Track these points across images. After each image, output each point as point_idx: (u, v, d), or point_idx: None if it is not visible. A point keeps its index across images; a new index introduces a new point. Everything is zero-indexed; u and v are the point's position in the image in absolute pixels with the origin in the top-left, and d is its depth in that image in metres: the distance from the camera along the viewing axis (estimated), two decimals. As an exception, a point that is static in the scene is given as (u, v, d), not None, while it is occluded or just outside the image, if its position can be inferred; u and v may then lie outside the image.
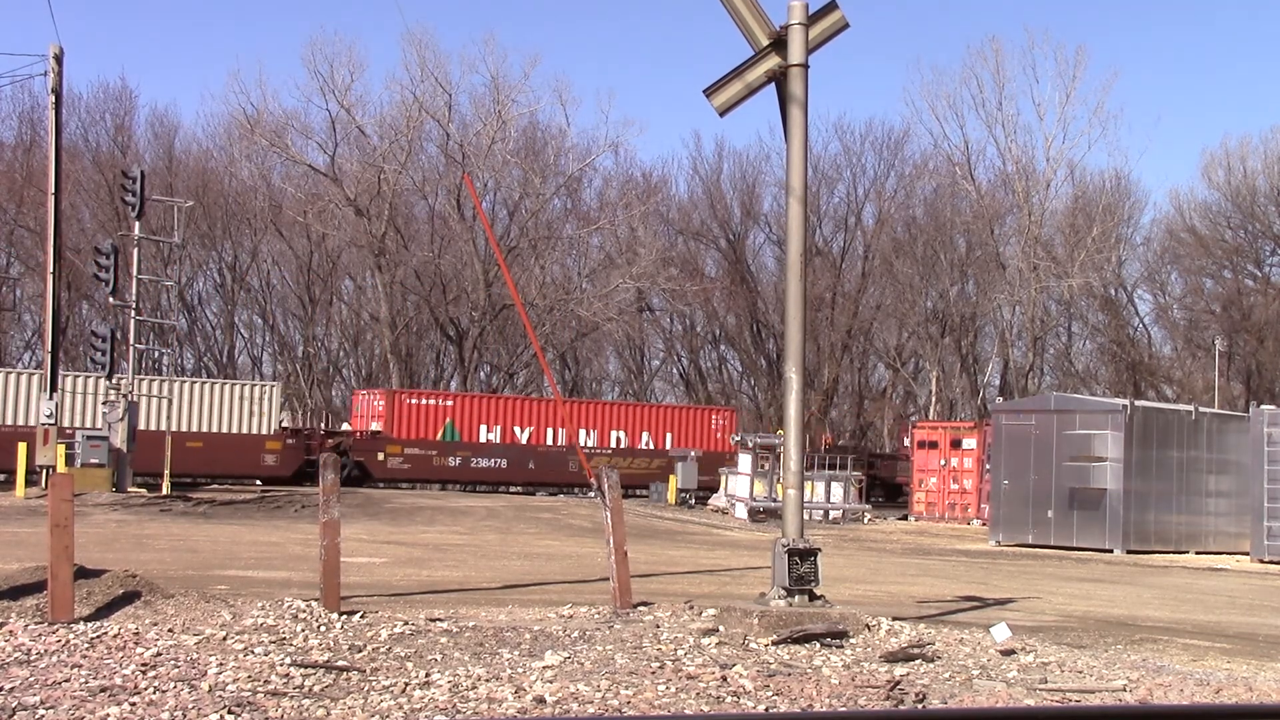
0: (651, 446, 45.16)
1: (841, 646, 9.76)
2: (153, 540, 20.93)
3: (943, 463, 40.62)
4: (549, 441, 43.59)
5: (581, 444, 43.72)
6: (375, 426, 41.77)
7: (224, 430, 38.42)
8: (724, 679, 8.25)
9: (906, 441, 51.96)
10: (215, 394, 39.10)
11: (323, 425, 48.14)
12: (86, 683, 7.65)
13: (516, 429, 43.35)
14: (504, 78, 56.65)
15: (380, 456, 40.69)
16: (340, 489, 11.59)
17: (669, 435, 45.32)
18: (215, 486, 36.91)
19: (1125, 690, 8.76)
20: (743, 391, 68.31)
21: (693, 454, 43.05)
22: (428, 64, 55.35)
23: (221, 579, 14.51)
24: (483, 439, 42.59)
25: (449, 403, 43.19)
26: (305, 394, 59.50)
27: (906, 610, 13.31)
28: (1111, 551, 28.10)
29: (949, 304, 61.05)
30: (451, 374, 60.60)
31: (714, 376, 69.31)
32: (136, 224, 33.36)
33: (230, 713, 7.00)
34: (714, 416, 47.51)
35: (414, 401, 42.37)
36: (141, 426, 33.69)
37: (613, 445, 44.47)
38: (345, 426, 44.92)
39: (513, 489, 42.32)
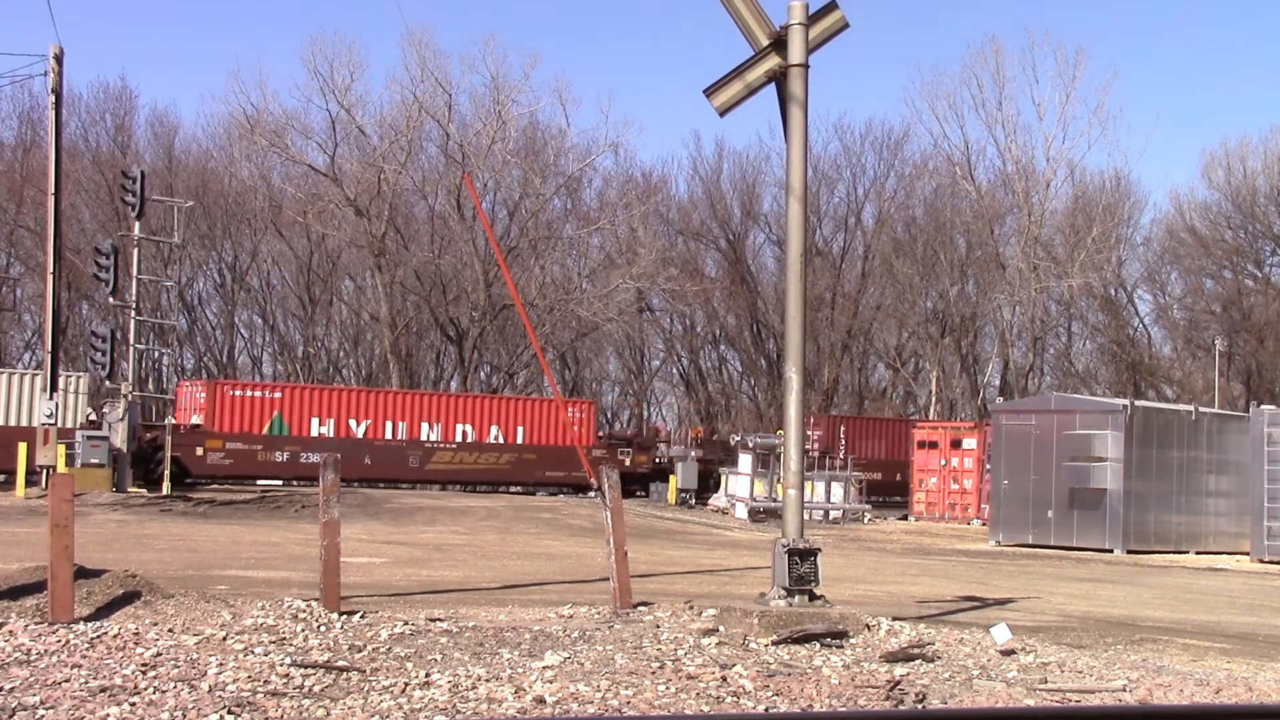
0: (501, 441, 42.76)
1: (841, 646, 9.76)
2: (153, 540, 20.93)
3: (943, 463, 40.63)
4: (387, 435, 41.13)
5: (424, 439, 41.47)
6: (196, 420, 39.21)
7: (15, 423, 35.08)
8: (724, 679, 8.25)
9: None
10: (12, 385, 35.85)
11: (139, 419, 45.95)
12: (86, 683, 7.65)
13: (352, 422, 40.89)
14: (504, 78, 56.68)
15: (199, 451, 37.97)
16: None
17: (520, 429, 43.00)
18: (215, 486, 36.91)
19: (1125, 690, 8.76)
20: (743, 391, 68.32)
21: (693, 454, 43.03)
22: (428, 64, 55.38)
23: (221, 579, 14.52)
24: (314, 433, 40.04)
25: (277, 394, 40.63)
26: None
27: (906, 610, 13.31)
28: (1111, 551, 28.11)
29: (949, 304, 61.05)
30: (452, 374, 60.63)
31: (714, 376, 69.33)
32: (136, 224, 33.39)
33: (230, 713, 6.99)
34: (570, 409, 45.62)
35: (237, 393, 39.87)
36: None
37: (458, 440, 42.03)
38: (170, 420, 42.37)
39: (353, 485, 39.77)
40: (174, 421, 39.78)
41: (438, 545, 22.50)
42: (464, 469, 42.21)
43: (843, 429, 48.81)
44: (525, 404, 45.02)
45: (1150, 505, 29.08)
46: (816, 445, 46.53)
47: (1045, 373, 65.07)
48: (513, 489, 42.70)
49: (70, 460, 29.97)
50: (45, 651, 8.67)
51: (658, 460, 45.02)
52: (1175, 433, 29.97)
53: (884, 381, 68.15)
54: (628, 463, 43.55)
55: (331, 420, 40.76)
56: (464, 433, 42.30)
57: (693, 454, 43.08)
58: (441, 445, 41.64)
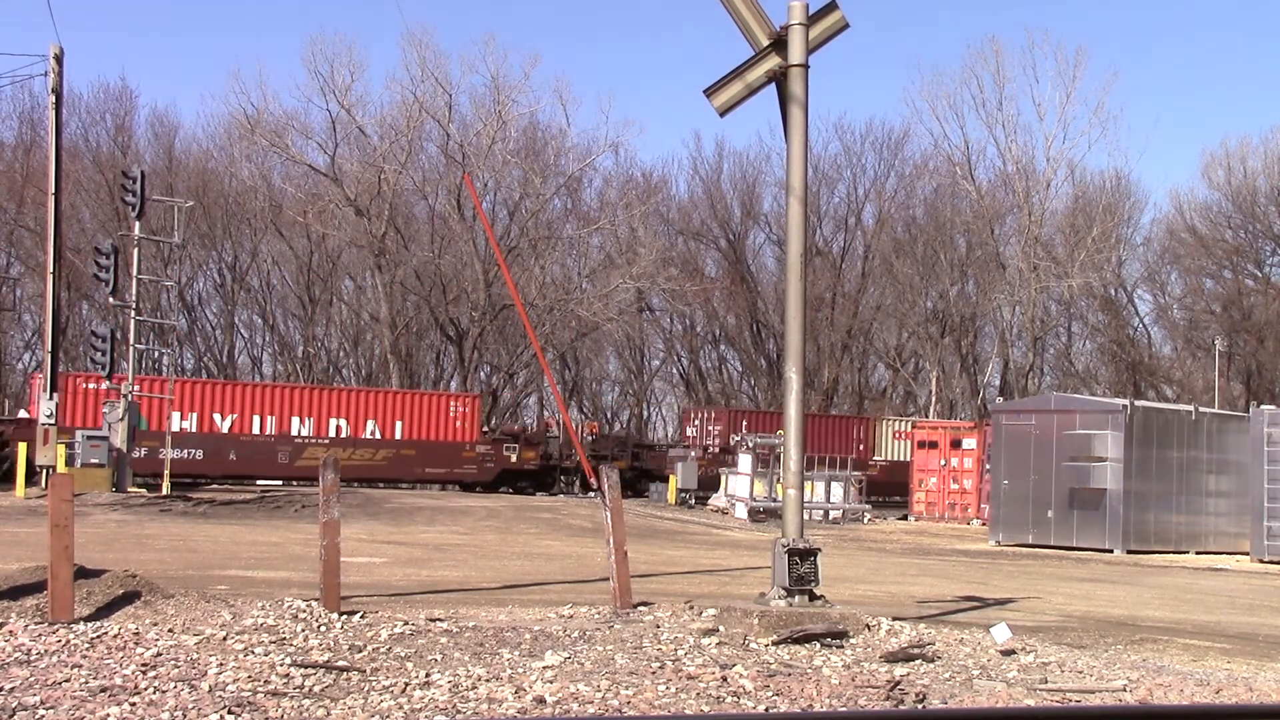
0: (378, 436, 41.39)
1: (841, 646, 9.76)
2: (153, 540, 20.94)
3: (943, 463, 40.62)
4: (254, 430, 39.81)
5: (294, 433, 40.09)
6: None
7: None
8: (724, 679, 8.24)
9: (690, 431, 49.01)
10: None
11: None
12: (86, 683, 7.65)
13: (216, 416, 39.30)
14: (504, 78, 56.69)
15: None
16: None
17: (399, 424, 41.65)
18: (215, 486, 36.90)
19: (1125, 690, 8.76)
20: (743, 391, 68.35)
21: (693, 454, 43.00)
22: (428, 64, 55.38)
23: (221, 579, 14.51)
24: (174, 427, 37.72)
25: (135, 387, 37.95)
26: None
27: (906, 610, 13.31)
28: (1111, 551, 28.11)
29: (949, 304, 61.07)
30: (451, 374, 60.63)
31: (714, 376, 69.36)
32: (136, 224, 33.39)
33: (230, 713, 6.99)
34: (452, 403, 43.29)
35: (91, 386, 37.37)
36: None
37: (331, 434, 40.55)
38: (22, 414, 40.15)
39: (210, 482, 38.20)
40: (26, 415, 38.06)
41: (438, 545, 22.50)
42: (315, 465, 40.70)
43: (745, 423, 47.25)
44: (403, 398, 43.45)
45: (1150, 505, 29.08)
46: (716, 441, 45.77)
47: (1045, 373, 65.13)
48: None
49: (70, 460, 29.98)
50: (45, 651, 8.67)
51: (549, 457, 43.96)
52: (1175, 433, 29.97)
53: (884, 381, 68.19)
54: (514, 459, 42.69)
55: (195, 414, 39.15)
56: (338, 427, 40.94)
57: (693, 454, 43.03)
58: (313, 440, 40.16)
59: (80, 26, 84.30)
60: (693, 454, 42.99)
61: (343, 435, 41.02)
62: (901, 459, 49.13)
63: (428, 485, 42.49)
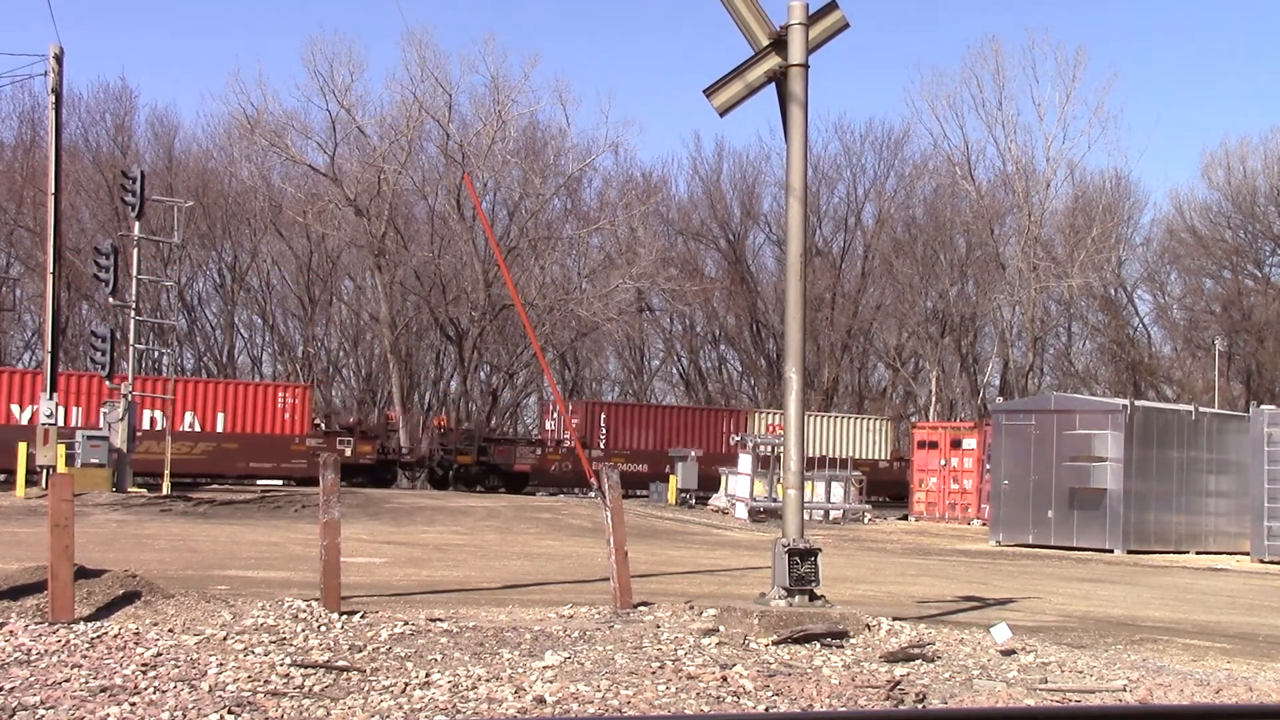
0: (197, 428, 39.18)
1: (842, 646, 9.76)
2: (153, 540, 20.94)
3: (943, 463, 40.63)
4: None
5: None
6: None
7: None
8: (724, 679, 8.24)
9: (549, 424, 47.58)
10: None
11: None
12: (86, 683, 7.65)
13: (15, 408, 36.72)
14: (504, 78, 56.59)
15: None
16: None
17: (221, 415, 39.42)
18: (215, 486, 36.90)
19: (1125, 690, 8.76)
20: (743, 391, 68.33)
21: (693, 454, 42.93)
22: (428, 64, 55.29)
23: (221, 579, 14.52)
24: None
25: None
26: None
27: (907, 610, 13.31)
28: (1112, 551, 28.11)
29: (949, 304, 61.04)
30: (451, 374, 60.61)
31: (714, 376, 69.34)
32: (136, 224, 33.38)
33: (230, 713, 6.99)
34: (280, 394, 40.91)
35: None
36: None
37: (145, 426, 37.30)
38: None
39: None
40: None
41: (438, 545, 22.50)
42: (149, 459, 36.69)
43: (604, 416, 46.16)
44: (225, 388, 41.25)
45: (1150, 505, 29.08)
46: (572, 435, 45.06)
47: (1045, 373, 65.09)
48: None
49: (70, 460, 29.99)
50: (45, 651, 8.67)
51: (388, 453, 42.67)
52: (1175, 433, 29.97)
53: (884, 381, 68.17)
54: (348, 453, 40.74)
55: None
56: (152, 419, 38.06)
57: (693, 454, 42.93)
58: None
59: (80, 26, 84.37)
60: (693, 454, 42.88)
61: (157, 427, 37.69)
62: (776, 453, 47.89)
63: (253, 480, 40.15)
